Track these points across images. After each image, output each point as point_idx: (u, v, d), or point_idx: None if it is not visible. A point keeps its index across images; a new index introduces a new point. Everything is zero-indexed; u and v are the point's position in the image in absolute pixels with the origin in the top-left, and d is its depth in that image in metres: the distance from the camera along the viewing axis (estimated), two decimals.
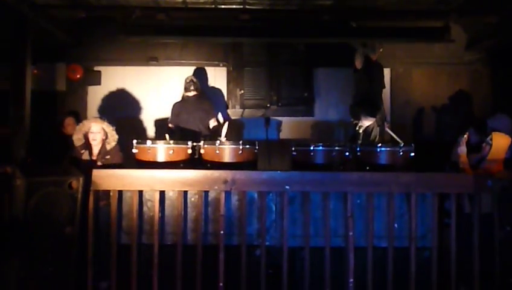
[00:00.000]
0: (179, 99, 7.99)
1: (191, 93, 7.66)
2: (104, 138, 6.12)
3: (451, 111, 9.15)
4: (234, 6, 8.15)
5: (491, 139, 5.91)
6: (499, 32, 8.21)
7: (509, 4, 7.45)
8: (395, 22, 8.64)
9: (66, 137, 7.21)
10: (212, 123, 7.68)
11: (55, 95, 9.02)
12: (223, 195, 5.30)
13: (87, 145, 6.11)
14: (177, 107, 7.71)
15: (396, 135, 6.10)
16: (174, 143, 5.82)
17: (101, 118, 6.57)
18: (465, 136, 5.99)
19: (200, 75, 8.82)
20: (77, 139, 6.13)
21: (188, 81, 7.70)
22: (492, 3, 7.59)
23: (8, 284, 4.51)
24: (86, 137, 6.12)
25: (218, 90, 9.24)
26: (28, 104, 7.43)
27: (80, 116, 8.18)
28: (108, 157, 6.07)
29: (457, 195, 5.36)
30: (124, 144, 6.23)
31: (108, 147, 6.14)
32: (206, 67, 9.14)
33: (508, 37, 8.16)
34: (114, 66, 9.19)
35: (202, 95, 7.89)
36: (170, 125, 7.68)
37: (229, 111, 9.19)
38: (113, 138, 6.17)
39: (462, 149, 5.99)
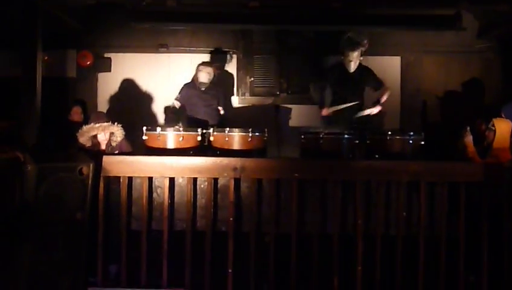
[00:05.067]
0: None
1: (205, 81, 7.63)
2: (109, 137, 6.16)
3: (462, 99, 9.11)
4: None
5: (493, 125, 5.95)
6: (510, 20, 8.15)
7: None
8: (405, 9, 8.60)
9: (73, 125, 7.24)
10: (222, 109, 7.71)
11: (65, 81, 9.05)
12: (232, 182, 5.31)
13: (94, 144, 6.16)
14: (185, 90, 7.71)
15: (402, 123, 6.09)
16: (183, 130, 5.83)
17: (105, 113, 6.60)
18: (468, 128, 6.00)
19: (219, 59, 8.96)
20: (83, 141, 6.14)
21: (201, 81, 7.61)
22: None
23: (20, 269, 4.56)
24: (91, 137, 6.15)
25: (230, 76, 9.26)
26: (39, 91, 7.47)
27: (86, 105, 8.20)
28: (116, 152, 6.13)
29: (467, 184, 5.35)
30: (134, 131, 6.26)
31: (114, 144, 6.19)
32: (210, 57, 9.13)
33: None
34: (124, 53, 9.20)
35: (213, 82, 7.87)
36: (177, 102, 7.68)
37: (238, 98, 9.19)
38: (119, 133, 6.20)
39: (469, 139, 6.00)
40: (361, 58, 7.30)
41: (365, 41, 7.21)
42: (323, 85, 7.41)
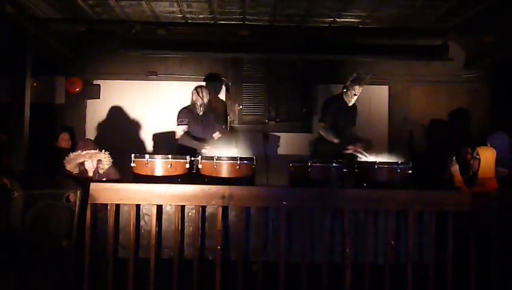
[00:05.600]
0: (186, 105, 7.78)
1: (202, 105, 7.46)
2: (97, 165, 6.12)
3: (449, 129, 9.17)
4: (233, 22, 8.22)
5: (477, 154, 5.99)
6: (497, 51, 8.26)
7: (506, 23, 7.50)
8: (393, 40, 8.69)
9: (60, 151, 7.20)
10: (217, 135, 7.53)
11: (54, 108, 9.03)
12: (220, 210, 5.29)
13: (81, 172, 6.12)
14: (186, 114, 7.36)
15: (390, 153, 6.12)
16: (172, 157, 5.82)
17: (92, 140, 6.56)
18: (453, 157, 6.04)
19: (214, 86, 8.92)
20: (70, 168, 6.09)
21: (199, 104, 7.42)
22: (489, 22, 7.64)
23: None
24: (79, 164, 6.11)
25: (222, 102, 9.26)
26: (27, 117, 7.45)
27: (74, 131, 8.16)
28: (104, 179, 6.09)
29: (455, 213, 5.36)
30: (122, 158, 6.23)
31: (101, 171, 6.15)
32: (205, 82, 9.13)
33: (505, 56, 8.20)
34: (113, 80, 9.20)
35: (209, 107, 7.74)
36: (184, 128, 7.25)
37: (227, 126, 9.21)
38: (107, 161, 6.15)
39: (455, 168, 6.03)
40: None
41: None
42: (328, 121, 7.42)
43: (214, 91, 8.71)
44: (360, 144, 7.21)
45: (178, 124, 7.28)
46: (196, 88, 7.40)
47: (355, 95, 7.34)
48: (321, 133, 7.39)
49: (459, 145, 6.70)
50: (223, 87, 9.27)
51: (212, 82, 9.06)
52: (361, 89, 7.36)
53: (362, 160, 6.62)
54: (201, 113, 7.36)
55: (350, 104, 7.43)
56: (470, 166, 6.13)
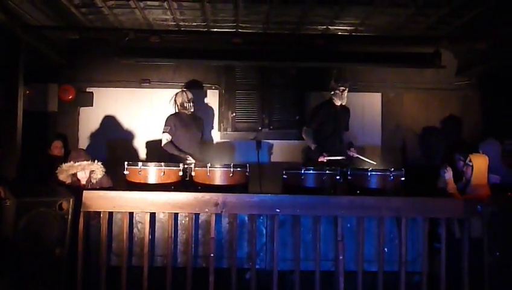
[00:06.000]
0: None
1: (188, 112, 7.49)
2: (90, 175, 6.10)
3: (441, 135, 9.20)
4: (227, 30, 8.24)
5: (470, 161, 6.01)
6: (488, 59, 8.30)
7: (497, 31, 7.55)
8: (387, 47, 8.72)
9: (53, 159, 7.18)
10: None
11: (46, 115, 9.00)
12: (213, 218, 5.30)
13: (74, 182, 6.09)
14: (173, 120, 7.42)
15: (383, 160, 6.14)
16: (165, 165, 5.82)
17: (85, 151, 6.54)
18: (448, 167, 6.06)
19: (197, 94, 8.79)
20: (63, 178, 6.04)
21: (187, 99, 7.49)
22: (481, 30, 7.68)
23: None
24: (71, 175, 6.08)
25: (211, 110, 9.26)
26: (19, 125, 7.43)
27: (67, 139, 8.12)
28: (97, 188, 6.06)
29: (447, 220, 5.39)
30: (115, 165, 6.22)
31: (94, 181, 6.11)
32: (198, 90, 9.13)
33: (497, 63, 8.24)
34: (106, 88, 9.18)
35: (196, 113, 7.80)
36: (168, 136, 7.30)
37: (220, 133, 9.20)
38: (100, 171, 6.10)
39: (449, 175, 6.05)
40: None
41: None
42: (313, 127, 7.41)
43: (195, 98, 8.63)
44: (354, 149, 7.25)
45: (163, 132, 7.35)
46: (177, 92, 7.48)
47: (344, 90, 7.33)
48: (303, 136, 7.42)
49: (451, 152, 6.72)
50: (216, 95, 9.27)
51: (195, 89, 8.97)
52: (347, 84, 7.38)
53: (366, 165, 6.62)
54: (192, 110, 7.45)
55: (344, 103, 7.42)
56: (462, 173, 6.15)
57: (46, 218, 4.80)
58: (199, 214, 5.40)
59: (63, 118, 9.10)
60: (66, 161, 6.12)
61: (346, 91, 7.37)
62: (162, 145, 7.31)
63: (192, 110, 7.48)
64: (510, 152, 7.31)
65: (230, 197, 5.32)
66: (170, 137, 7.30)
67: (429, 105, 9.41)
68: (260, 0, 7.15)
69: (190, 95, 7.47)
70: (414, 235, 5.47)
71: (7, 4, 6.77)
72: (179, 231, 5.44)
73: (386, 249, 5.38)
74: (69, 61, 8.98)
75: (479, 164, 5.99)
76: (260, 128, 9.23)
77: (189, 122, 7.48)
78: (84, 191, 5.27)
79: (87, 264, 5.24)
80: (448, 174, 6.08)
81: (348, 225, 5.43)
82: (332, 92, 7.39)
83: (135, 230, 5.44)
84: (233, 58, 8.91)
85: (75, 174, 6.05)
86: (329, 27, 8.13)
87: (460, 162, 6.16)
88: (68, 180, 6.03)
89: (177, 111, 7.50)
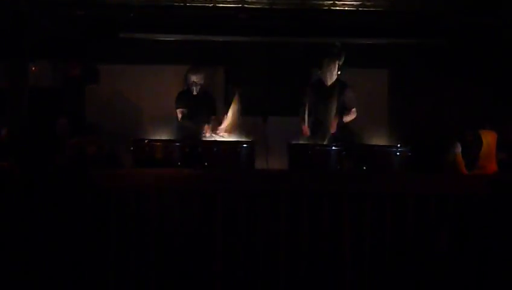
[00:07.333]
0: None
1: (197, 88, 7.70)
2: (96, 151, 6.12)
3: (449, 110, 9.14)
4: (233, 5, 8.17)
5: (479, 137, 5.98)
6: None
7: None
8: (393, 22, 8.64)
9: (60, 136, 7.19)
10: (213, 121, 7.68)
11: (53, 92, 9.00)
12: (220, 194, 5.30)
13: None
14: (182, 97, 7.77)
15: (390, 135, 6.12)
16: (172, 141, 5.83)
17: (92, 126, 6.59)
18: (457, 143, 6.04)
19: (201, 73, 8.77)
20: (70, 154, 6.05)
21: (191, 82, 7.68)
22: None
23: None
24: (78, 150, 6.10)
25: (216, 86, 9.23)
26: (26, 102, 7.43)
27: (73, 116, 8.11)
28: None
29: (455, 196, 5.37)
30: (121, 142, 6.23)
31: (101, 156, 6.14)
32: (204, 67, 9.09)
33: None
34: (112, 65, 9.17)
35: (206, 92, 7.96)
36: (182, 111, 7.67)
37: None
38: (107, 146, 6.16)
39: (458, 151, 6.03)
40: (339, 72, 7.29)
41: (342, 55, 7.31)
42: (305, 103, 7.36)
43: (207, 76, 8.65)
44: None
45: (176, 108, 7.70)
46: (190, 69, 7.71)
47: (326, 72, 7.20)
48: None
49: (460, 127, 6.68)
50: (222, 72, 9.25)
51: (206, 67, 8.97)
52: (333, 66, 7.23)
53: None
54: (194, 93, 7.64)
55: (333, 79, 7.25)
56: (472, 149, 6.12)
57: None
58: (206, 190, 5.38)
59: (69, 94, 9.08)
60: (72, 138, 6.15)
61: (338, 66, 7.24)
62: (179, 119, 7.63)
63: (194, 93, 7.69)
64: None
65: (237, 174, 5.40)
66: (185, 111, 7.59)
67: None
68: None
69: (194, 78, 7.64)
70: (421, 211, 5.44)
71: None
72: (185, 208, 5.43)
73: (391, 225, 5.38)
74: (75, 37, 8.94)
75: (488, 140, 5.96)
76: (267, 104, 9.20)
77: (199, 101, 7.71)
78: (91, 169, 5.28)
79: None
80: (457, 149, 6.05)
81: (355, 201, 5.40)
82: (319, 71, 7.32)
83: (141, 207, 5.41)
84: (240, 34, 8.87)
85: (82, 150, 6.06)
86: (336, 2, 8.04)
87: (470, 138, 6.13)
88: (75, 156, 6.04)
89: (188, 88, 7.75)
